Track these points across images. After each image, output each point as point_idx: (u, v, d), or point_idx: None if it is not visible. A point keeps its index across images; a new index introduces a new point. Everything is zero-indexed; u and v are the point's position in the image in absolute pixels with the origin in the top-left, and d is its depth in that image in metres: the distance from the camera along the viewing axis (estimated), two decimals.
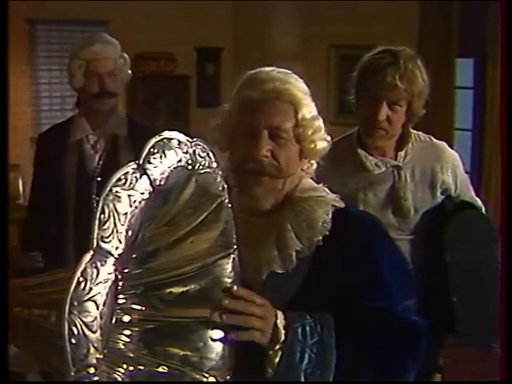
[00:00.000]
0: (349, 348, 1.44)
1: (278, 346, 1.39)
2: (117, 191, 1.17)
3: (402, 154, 2.51)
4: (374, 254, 1.55)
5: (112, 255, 1.14)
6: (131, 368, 1.29)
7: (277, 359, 1.39)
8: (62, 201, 3.00)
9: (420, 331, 1.54)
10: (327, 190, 1.64)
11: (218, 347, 1.38)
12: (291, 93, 1.56)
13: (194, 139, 1.32)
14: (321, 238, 1.54)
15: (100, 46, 2.95)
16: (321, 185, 1.65)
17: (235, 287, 1.37)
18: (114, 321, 1.30)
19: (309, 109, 1.59)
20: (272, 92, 1.55)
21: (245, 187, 1.56)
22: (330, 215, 1.57)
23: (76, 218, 2.97)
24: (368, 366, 1.47)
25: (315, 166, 1.65)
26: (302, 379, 1.40)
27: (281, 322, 1.40)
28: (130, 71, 3.09)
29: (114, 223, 1.15)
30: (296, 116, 1.56)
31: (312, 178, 1.66)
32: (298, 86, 1.59)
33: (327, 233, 1.55)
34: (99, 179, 2.95)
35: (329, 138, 1.64)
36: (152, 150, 1.23)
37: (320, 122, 1.61)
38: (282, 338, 1.39)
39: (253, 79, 1.59)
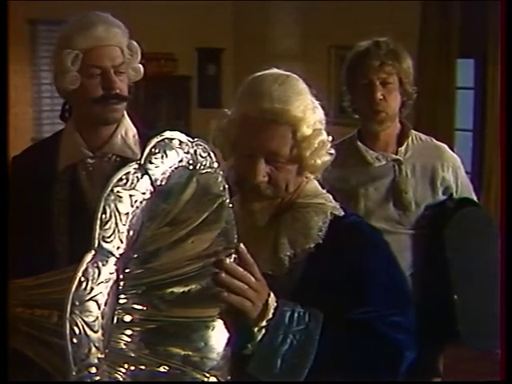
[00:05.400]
0: (328, 349, 1.44)
1: (263, 324, 1.40)
2: (118, 191, 1.17)
3: (402, 149, 2.56)
4: (364, 267, 1.54)
5: (113, 255, 1.14)
6: (132, 368, 1.30)
7: (259, 337, 1.40)
8: (51, 253, 2.07)
9: (401, 349, 1.51)
10: (330, 196, 1.64)
11: (219, 347, 1.38)
12: (290, 114, 1.50)
13: (196, 139, 1.32)
14: (313, 245, 1.55)
15: (103, 29, 2.06)
16: (324, 191, 1.65)
17: (244, 249, 1.39)
18: (115, 321, 1.30)
19: (309, 124, 1.53)
20: (270, 113, 1.49)
21: (243, 201, 1.57)
22: (327, 224, 1.57)
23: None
24: (342, 370, 1.48)
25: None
26: (279, 363, 1.41)
27: (272, 301, 1.41)
28: (141, 66, 2.18)
29: (116, 223, 1.15)
30: (294, 137, 1.52)
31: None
32: (298, 105, 1.52)
33: (321, 241, 1.55)
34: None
35: (332, 151, 1.60)
36: (153, 150, 1.24)
37: (322, 137, 1.57)
38: (270, 316, 1.40)
39: (253, 91, 1.54)
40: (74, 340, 1.09)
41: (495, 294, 2.16)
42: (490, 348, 2.81)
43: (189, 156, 1.29)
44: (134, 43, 2.15)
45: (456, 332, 2.50)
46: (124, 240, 1.16)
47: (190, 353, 1.36)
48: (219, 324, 1.39)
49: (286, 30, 6.97)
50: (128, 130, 2.17)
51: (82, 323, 1.09)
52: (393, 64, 2.46)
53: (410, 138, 2.58)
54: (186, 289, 1.37)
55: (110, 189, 1.16)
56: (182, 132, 1.30)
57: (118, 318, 1.32)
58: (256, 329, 1.40)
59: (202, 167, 1.33)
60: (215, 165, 1.36)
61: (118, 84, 2.07)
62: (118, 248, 1.15)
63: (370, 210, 2.49)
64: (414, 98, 2.57)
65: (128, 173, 1.19)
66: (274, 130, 1.51)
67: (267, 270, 1.49)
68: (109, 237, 1.14)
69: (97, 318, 1.11)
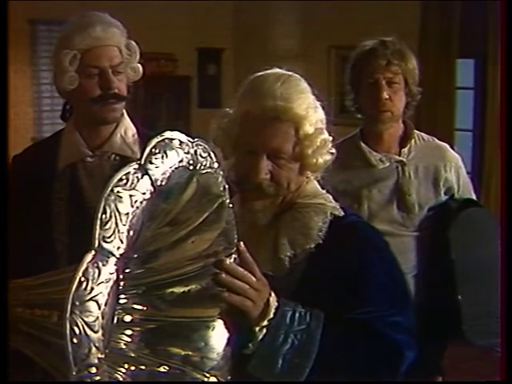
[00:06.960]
0: (329, 349, 1.44)
1: (264, 323, 1.40)
2: (118, 191, 1.17)
3: (405, 150, 2.56)
4: (364, 267, 1.54)
5: (113, 255, 1.14)
6: (133, 368, 1.30)
7: (260, 336, 1.40)
8: (51, 253, 2.08)
9: (402, 349, 1.51)
10: (330, 197, 1.64)
11: (219, 347, 1.38)
12: (293, 112, 1.52)
13: (196, 139, 1.32)
14: (313, 245, 1.55)
15: (101, 29, 2.07)
16: (324, 191, 1.65)
17: (245, 248, 1.39)
18: (115, 321, 1.30)
19: (312, 122, 1.54)
20: (272, 111, 1.51)
21: (244, 200, 1.57)
22: (327, 224, 1.58)
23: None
24: (342, 370, 1.48)
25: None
26: (280, 363, 1.41)
27: (273, 300, 1.42)
28: (140, 66, 2.19)
29: (116, 223, 1.15)
30: (297, 134, 1.53)
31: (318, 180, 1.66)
32: (301, 103, 1.53)
33: (321, 241, 1.55)
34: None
35: (333, 150, 1.61)
36: (153, 150, 1.24)
37: (323, 136, 1.57)
38: (271, 315, 1.40)
39: (255, 90, 1.55)
40: (74, 340, 1.09)
41: (499, 293, 2.16)
42: (494, 346, 2.81)
43: (189, 156, 1.29)
44: (133, 43, 2.15)
45: (461, 331, 2.50)
46: (124, 240, 1.16)
47: (190, 353, 1.36)
48: (219, 324, 1.39)
49: (286, 30, 6.98)
50: (127, 129, 2.18)
51: (82, 323, 1.09)
52: (399, 64, 2.46)
53: (413, 139, 2.57)
54: (186, 289, 1.37)
55: (110, 189, 1.16)
56: (182, 132, 1.30)
57: (118, 318, 1.32)
58: (257, 328, 1.40)
59: (203, 167, 1.33)
60: (215, 165, 1.36)
61: (116, 84, 2.08)
62: (119, 248, 1.15)
63: (373, 212, 2.49)
64: (418, 99, 2.57)
65: (128, 173, 1.19)
66: (276, 127, 1.52)
67: (267, 271, 1.49)
68: (109, 237, 1.14)
69: (97, 317, 1.11)
